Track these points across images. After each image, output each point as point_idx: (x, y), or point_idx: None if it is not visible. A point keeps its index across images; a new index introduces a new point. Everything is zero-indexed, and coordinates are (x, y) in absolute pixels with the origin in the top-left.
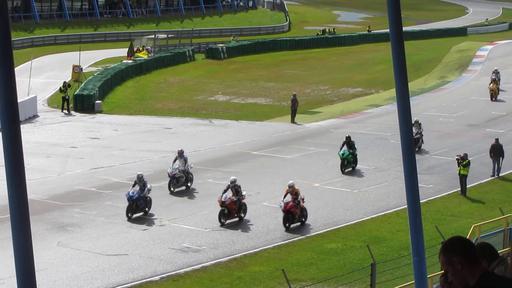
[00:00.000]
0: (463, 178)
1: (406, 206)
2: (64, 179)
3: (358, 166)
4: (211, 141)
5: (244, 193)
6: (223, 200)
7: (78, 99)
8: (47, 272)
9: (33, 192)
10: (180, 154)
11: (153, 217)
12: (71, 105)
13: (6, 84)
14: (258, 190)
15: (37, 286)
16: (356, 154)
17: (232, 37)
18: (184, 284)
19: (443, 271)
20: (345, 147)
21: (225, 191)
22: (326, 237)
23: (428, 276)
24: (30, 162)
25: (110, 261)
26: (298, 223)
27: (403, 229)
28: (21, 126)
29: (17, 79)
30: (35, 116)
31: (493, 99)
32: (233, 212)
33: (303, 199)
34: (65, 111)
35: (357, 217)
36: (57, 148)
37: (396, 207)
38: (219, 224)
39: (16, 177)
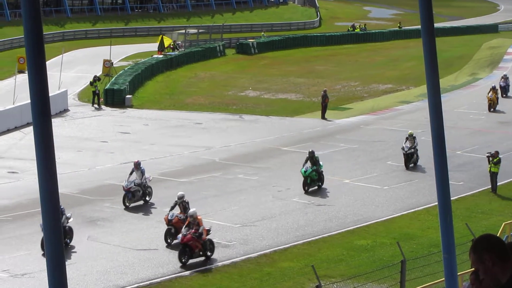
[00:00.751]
0: (493, 176)
1: (436, 203)
2: (95, 173)
3: (389, 163)
4: (241, 136)
5: (193, 212)
6: (169, 218)
7: (109, 94)
8: (77, 266)
9: (63, 186)
10: (137, 166)
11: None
12: (101, 99)
13: (38, 78)
14: (288, 185)
15: (68, 280)
16: (321, 171)
17: (262, 33)
18: (214, 279)
19: (473, 269)
20: (308, 164)
21: (172, 208)
22: (356, 234)
23: (458, 273)
24: (60, 156)
25: (140, 255)
26: (200, 258)
27: (433, 226)
28: (52, 120)
29: (48, 73)
30: (66, 110)
31: (491, 109)
32: (193, 247)
33: (207, 230)
34: (96, 106)
35: (387, 214)
36: (88, 142)
37: (426, 204)
38: (165, 244)
39: (47, 171)
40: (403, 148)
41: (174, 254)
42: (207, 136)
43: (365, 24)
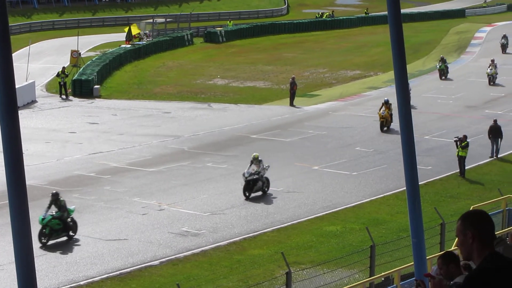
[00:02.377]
0: (461, 160)
1: (405, 188)
2: (63, 164)
3: (357, 149)
4: (210, 124)
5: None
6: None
7: (77, 84)
8: (46, 258)
9: (31, 177)
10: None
11: (152, 202)
12: (69, 90)
13: (4, 70)
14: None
15: (36, 272)
16: (68, 220)
17: (228, 22)
18: (184, 268)
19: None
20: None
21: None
22: (326, 220)
23: (427, 257)
24: (28, 147)
25: (109, 246)
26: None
27: (402, 211)
28: (19, 111)
29: (15, 64)
30: (34, 101)
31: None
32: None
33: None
34: (63, 96)
35: (356, 200)
36: (56, 133)
37: (395, 189)
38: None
39: (14, 162)
40: (243, 175)
41: (144, 244)
42: (176, 125)
43: (332, 11)
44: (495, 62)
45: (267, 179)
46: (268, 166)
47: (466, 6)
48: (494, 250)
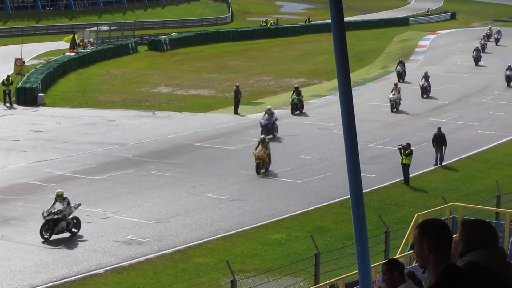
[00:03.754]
0: (405, 167)
1: (349, 196)
2: (7, 172)
3: (302, 157)
4: (155, 132)
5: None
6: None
7: (21, 92)
8: None
9: None
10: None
11: (97, 210)
12: (13, 98)
13: None
14: (202, 181)
15: None
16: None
17: (173, 34)
18: (129, 276)
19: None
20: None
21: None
22: (270, 228)
23: (372, 265)
24: None
25: (54, 254)
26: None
27: (347, 219)
28: None
29: None
30: None
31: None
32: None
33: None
34: (7, 104)
35: (301, 208)
36: (0, 141)
37: (340, 197)
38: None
39: None
40: (42, 214)
41: (89, 252)
42: (120, 133)
43: (277, 19)
44: (398, 86)
45: (77, 219)
46: (79, 205)
47: (410, 14)
48: (450, 263)
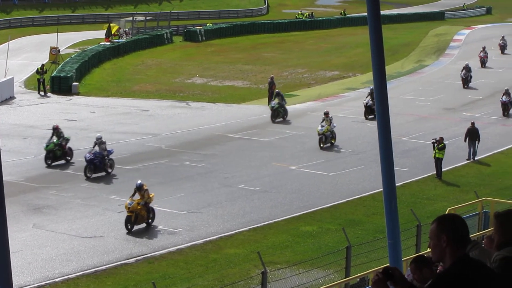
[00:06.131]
0: (438, 162)
1: (381, 189)
2: (40, 161)
3: (335, 149)
4: (188, 123)
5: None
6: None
7: (55, 81)
8: (22, 254)
9: (8, 174)
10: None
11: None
12: (48, 87)
13: None
14: (234, 172)
15: (12, 268)
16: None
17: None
18: (160, 266)
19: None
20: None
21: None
22: (302, 220)
23: (403, 259)
24: (6, 143)
25: (86, 243)
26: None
27: (379, 212)
28: None
29: None
30: (12, 97)
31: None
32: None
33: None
34: (42, 93)
35: (333, 200)
36: (34, 130)
37: (371, 190)
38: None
39: None
40: None
41: (120, 241)
42: (154, 123)
43: (312, 12)
44: (329, 116)
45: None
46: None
47: (445, 8)
48: (465, 253)
